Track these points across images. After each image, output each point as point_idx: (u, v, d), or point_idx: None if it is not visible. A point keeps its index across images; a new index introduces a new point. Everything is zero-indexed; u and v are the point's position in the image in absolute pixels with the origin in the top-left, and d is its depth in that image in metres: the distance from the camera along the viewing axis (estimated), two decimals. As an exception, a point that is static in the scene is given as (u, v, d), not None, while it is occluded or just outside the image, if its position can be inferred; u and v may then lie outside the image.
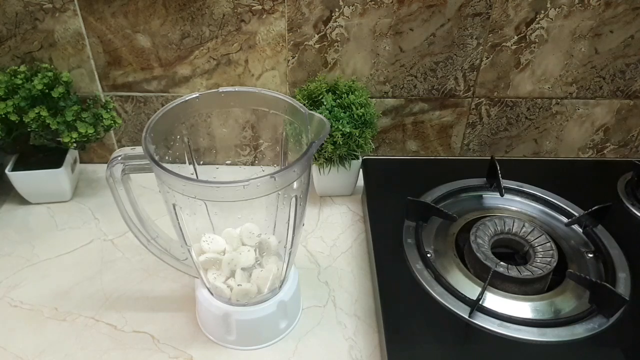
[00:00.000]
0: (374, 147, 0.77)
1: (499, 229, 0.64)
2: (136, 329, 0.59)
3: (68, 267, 0.67)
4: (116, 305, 0.62)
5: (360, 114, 0.71)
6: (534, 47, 0.76)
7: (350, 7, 0.72)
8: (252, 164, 0.78)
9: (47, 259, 0.68)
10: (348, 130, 0.70)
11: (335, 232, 0.74)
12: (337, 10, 0.72)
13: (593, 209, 0.65)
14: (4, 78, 0.69)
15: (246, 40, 0.75)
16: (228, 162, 0.68)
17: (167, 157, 0.54)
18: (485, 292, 0.55)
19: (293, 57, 0.77)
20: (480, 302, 0.54)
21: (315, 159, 0.73)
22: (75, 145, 0.71)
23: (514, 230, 0.64)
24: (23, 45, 0.74)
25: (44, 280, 0.65)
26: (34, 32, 0.73)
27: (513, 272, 0.58)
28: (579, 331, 0.53)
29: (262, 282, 0.56)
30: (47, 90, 0.69)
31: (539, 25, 0.74)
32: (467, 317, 0.54)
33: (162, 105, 0.51)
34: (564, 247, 0.64)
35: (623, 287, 0.57)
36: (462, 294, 0.56)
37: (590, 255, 0.63)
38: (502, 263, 0.59)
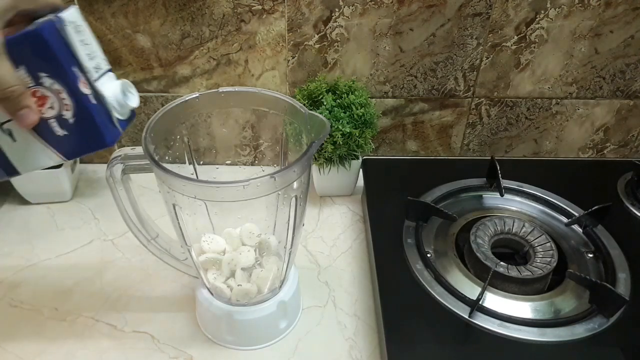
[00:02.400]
0: (374, 147, 0.77)
1: (499, 229, 0.64)
2: (136, 329, 0.59)
3: (68, 267, 0.67)
4: (116, 305, 0.62)
5: (360, 114, 0.71)
6: (534, 47, 0.76)
7: (350, 7, 0.72)
8: (252, 164, 0.78)
9: (47, 259, 0.68)
10: (348, 130, 0.70)
11: (335, 232, 0.74)
12: (337, 10, 0.72)
13: (593, 209, 0.65)
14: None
15: (246, 40, 0.75)
16: (228, 162, 0.68)
17: (167, 157, 0.54)
18: (485, 292, 0.55)
19: (293, 57, 0.77)
20: (480, 302, 0.54)
21: (315, 159, 0.73)
22: (75, 145, 0.71)
23: (514, 230, 0.64)
24: (23, 45, 0.74)
25: (44, 280, 0.65)
26: (34, 32, 0.73)
27: (513, 272, 0.58)
28: (579, 331, 0.53)
29: (262, 282, 0.56)
30: (47, 90, 0.69)
31: (539, 25, 0.74)
32: (467, 317, 0.54)
33: (162, 105, 0.51)
34: (564, 247, 0.64)
35: (623, 287, 0.57)
36: (462, 294, 0.56)
37: (590, 255, 0.63)
38: (502, 263, 0.59)
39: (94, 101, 0.40)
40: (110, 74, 0.42)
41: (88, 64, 0.40)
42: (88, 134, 0.41)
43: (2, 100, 0.37)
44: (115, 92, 0.42)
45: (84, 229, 0.74)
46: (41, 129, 0.40)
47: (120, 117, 0.43)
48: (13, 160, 0.42)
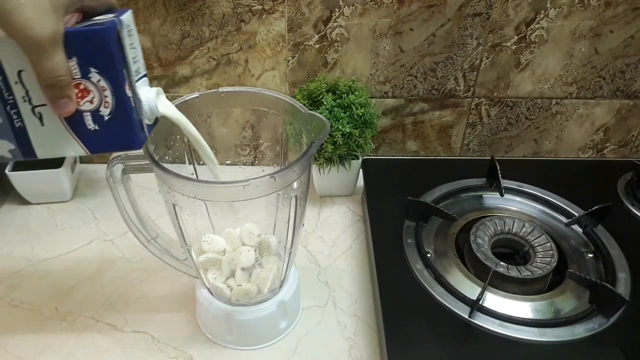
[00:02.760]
0: (374, 147, 0.77)
1: (499, 229, 0.64)
2: (136, 329, 0.59)
3: (68, 267, 0.67)
4: (116, 305, 0.62)
5: (360, 114, 0.71)
6: (534, 47, 0.76)
7: (350, 7, 0.72)
8: (252, 164, 0.78)
9: (47, 259, 0.68)
10: (348, 130, 0.70)
11: (335, 232, 0.74)
12: (337, 10, 0.72)
13: (593, 209, 0.65)
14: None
15: (246, 40, 0.75)
16: (228, 162, 0.68)
17: (167, 157, 0.53)
18: (485, 292, 0.56)
19: (293, 57, 0.77)
20: (480, 302, 0.54)
21: (315, 159, 0.73)
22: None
23: (514, 230, 0.64)
24: (23, 45, 0.74)
25: (44, 280, 0.65)
26: (34, 32, 0.73)
27: (513, 272, 0.58)
28: (579, 331, 0.53)
29: (262, 282, 0.56)
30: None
31: (539, 25, 0.74)
32: (467, 317, 0.54)
33: (162, 105, 0.51)
34: (564, 247, 0.64)
35: (623, 287, 0.57)
36: (462, 294, 0.56)
37: (590, 255, 0.63)
38: (502, 263, 0.59)
39: (133, 104, 0.41)
40: (145, 79, 0.43)
41: (132, 67, 0.41)
42: (119, 134, 0.41)
43: (48, 86, 0.38)
44: (149, 97, 0.42)
45: (84, 229, 0.74)
46: (73, 120, 0.40)
47: (148, 122, 0.43)
48: (34, 143, 0.42)
